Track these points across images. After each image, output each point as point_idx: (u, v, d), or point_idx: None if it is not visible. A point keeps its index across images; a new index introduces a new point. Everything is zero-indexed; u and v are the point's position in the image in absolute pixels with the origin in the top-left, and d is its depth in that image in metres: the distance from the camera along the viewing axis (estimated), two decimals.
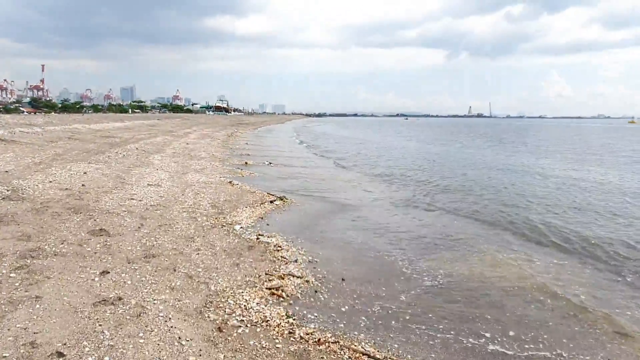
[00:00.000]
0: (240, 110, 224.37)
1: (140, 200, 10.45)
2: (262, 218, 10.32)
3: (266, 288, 6.22)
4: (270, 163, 22.00)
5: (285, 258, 7.56)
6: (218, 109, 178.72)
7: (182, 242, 7.77)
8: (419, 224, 10.98)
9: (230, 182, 14.86)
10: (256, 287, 6.22)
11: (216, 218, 9.66)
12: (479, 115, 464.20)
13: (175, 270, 6.44)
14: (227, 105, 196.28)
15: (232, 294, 5.86)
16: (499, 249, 9.02)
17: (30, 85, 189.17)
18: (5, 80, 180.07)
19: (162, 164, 17.52)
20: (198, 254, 7.26)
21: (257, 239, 8.48)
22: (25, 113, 73.67)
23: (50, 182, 11.46)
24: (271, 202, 12.12)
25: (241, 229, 9.05)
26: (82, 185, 11.52)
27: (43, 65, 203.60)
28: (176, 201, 10.85)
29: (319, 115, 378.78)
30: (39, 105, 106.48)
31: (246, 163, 21.29)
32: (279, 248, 8.06)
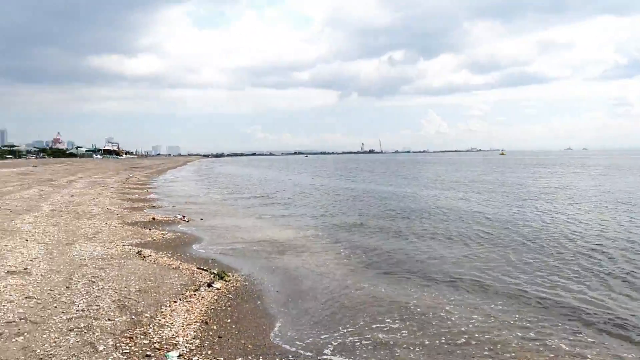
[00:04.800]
0: (132, 153, 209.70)
1: None
2: (206, 323, 6.47)
3: None
4: (183, 217, 17.75)
5: None
6: (107, 152, 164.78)
7: None
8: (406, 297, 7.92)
9: (139, 252, 10.66)
10: None
11: (132, 337, 5.66)
12: (371, 151, 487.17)
13: None
14: (118, 148, 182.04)
15: None
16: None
17: None
18: None
19: (35, 230, 12.62)
20: None
21: None
22: None
23: None
24: (209, 285, 8.27)
25: None
26: None
27: None
28: (56, 306, 6.58)
29: (217, 155, 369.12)
30: None
31: (153, 218, 16.85)
32: None
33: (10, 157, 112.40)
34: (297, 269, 10.08)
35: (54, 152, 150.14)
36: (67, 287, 7.49)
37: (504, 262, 10.54)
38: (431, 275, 9.50)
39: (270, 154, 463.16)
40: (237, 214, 19.65)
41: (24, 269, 8.37)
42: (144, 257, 10.27)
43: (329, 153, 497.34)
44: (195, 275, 9.02)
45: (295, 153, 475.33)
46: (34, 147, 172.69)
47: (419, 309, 7.36)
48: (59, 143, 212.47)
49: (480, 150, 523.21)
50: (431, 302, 7.73)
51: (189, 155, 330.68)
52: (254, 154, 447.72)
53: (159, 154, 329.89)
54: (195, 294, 7.68)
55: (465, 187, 32.94)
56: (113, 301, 6.98)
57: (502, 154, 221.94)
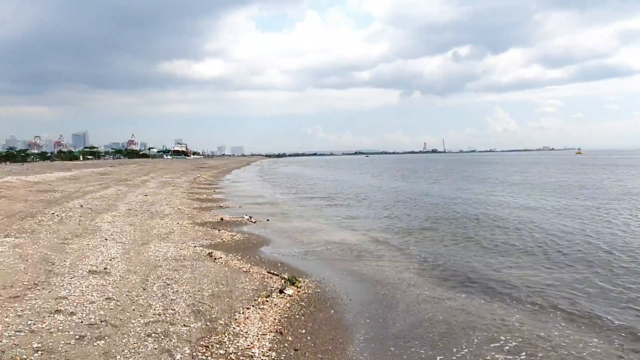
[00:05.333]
0: (199, 154, 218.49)
1: (71, 315, 6.16)
2: (281, 333, 6.24)
3: None
4: (250, 218, 17.88)
5: None
6: (176, 152, 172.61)
7: None
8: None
9: (210, 254, 10.72)
10: None
11: (207, 346, 5.53)
12: (434, 151, 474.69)
13: None
14: (186, 149, 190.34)
15: None
16: None
17: None
18: None
19: (113, 229, 13.12)
20: None
21: None
22: None
23: None
24: (280, 291, 8.06)
25: None
26: None
27: None
28: (134, 308, 6.61)
29: (279, 155, 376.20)
30: None
31: (222, 219, 17.10)
32: None
33: (91, 158, 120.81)
34: (369, 275, 9.67)
35: (129, 153, 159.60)
36: (143, 289, 7.57)
37: (611, 289, 8.58)
38: (519, 295, 8.35)
39: (331, 154, 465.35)
40: (303, 215, 19.54)
41: (104, 268, 8.60)
42: (215, 259, 10.29)
43: (390, 153, 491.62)
44: (266, 279, 8.87)
45: (355, 153, 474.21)
46: (111, 149, 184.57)
47: (526, 334, 6.50)
48: (133, 144, 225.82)
49: (553, 149, 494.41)
50: (533, 327, 6.90)
51: (252, 155, 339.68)
52: (314, 154, 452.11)
53: (223, 154, 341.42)
54: (267, 300, 7.49)
55: (540, 189, 30.91)
56: (187, 305, 6.93)
57: (579, 152, 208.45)
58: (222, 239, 12.97)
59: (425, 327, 6.75)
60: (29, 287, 7.20)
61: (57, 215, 14.59)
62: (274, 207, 22.62)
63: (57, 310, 6.25)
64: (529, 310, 7.53)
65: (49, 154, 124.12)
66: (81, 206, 17.37)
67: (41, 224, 12.90)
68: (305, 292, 8.23)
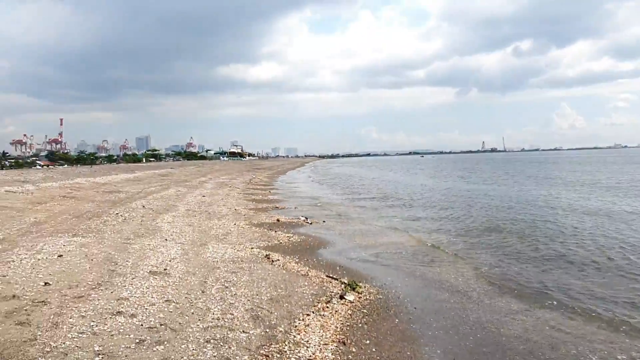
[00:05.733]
0: (254, 155, 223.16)
1: (132, 317, 6.10)
2: (344, 344, 5.87)
3: None
4: (306, 219, 17.67)
5: None
6: (232, 154, 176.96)
7: None
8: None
9: (267, 256, 10.54)
10: None
11: (268, 356, 5.25)
12: (493, 150, 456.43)
13: None
14: (242, 150, 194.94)
15: None
16: None
17: (49, 139, 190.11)
18: (24, 135, 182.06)
19: (173, 229, 13.30)
20: None
21: None
22: (38, 166, 71.53)
23: None
24: (341, 296, 7.69)
25: None
26: (45, 284, 7.26)
27: (61, 119, 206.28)
28: (193, 312, 6.47)
29: (332, 156, 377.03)
30: (55, 158, 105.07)
31: (278, 220, 17.00)
32: None
33: (153, 160, 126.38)
34: (434, 282, 9.11)
35: (188, 155, 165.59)
36: (202, 292, 7.45)
37: None
38: (606, 313, 7.36)
39: (385, 154, 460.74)
40: (359, 216, 19.10)
41: (164, 269, 8.60)
42: (272, 261, 10.10)
43: (446, 153, 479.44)
44: (325, 284, 8.54)
45: (410, 153, 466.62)
46: (172, 151, 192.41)
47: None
48: (192, 147, 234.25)
49: (625, 146, 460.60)
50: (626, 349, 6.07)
51: (305, 156, 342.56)
52: (368, 155, 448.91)
53: (277, 156, 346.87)
54: (327, 307, 7.14)
55: (622, 191, 28.64)
56: (246, 310, 6.71)
57: None
58: (279, 241, 12.80)
59: (504, 344, 6.13)
60: (93, 287, 7.27)
61: (121, 216, 15.04)
62: (329, 208, 22.33)
63: (119, 312, 6.21)
64: (621, 331, 6.69)
65: (115, 157, 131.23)
66: (143, 207, 17.87)
67: (106, 224, 13.30)
68: (366, 299, 7.82)
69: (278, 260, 10.24)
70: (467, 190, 31.82)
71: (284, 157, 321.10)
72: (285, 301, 7.31)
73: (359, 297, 7.78)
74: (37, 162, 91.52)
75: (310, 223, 16.86)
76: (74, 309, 6.23)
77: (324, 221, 17.41)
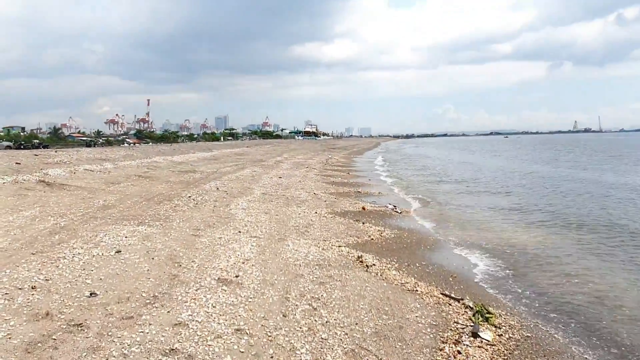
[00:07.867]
0: (328, 134, 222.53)
1: (189, 359, 4.34)
2: None
3: None
4: (395, 207, 15.45)
5: None
6: (307, 133, 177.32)
7: None
8: None
9: (359, 258, 8.52)
10: None
11: None
12: (587, 130, 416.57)
13: None
14: (316, 130, 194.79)
15: None
16: None
17: (138, 119, 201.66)
18: (117, 114, 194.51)
19: (247, 218, 11.69)
20: None
21: None
22: (126, 144, 75.18)
23: (34, 287, 5.83)
24: (473, 334, 5.48)
25: None
26: (91, 294, 5.75)
27: (148, 100, 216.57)
28: (272, 355, 4.59)
29: (407, 136, 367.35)
30: (142, 136, 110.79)
31: (363, 208, 14.93)
32: None
33: (230, 139, 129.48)
34: (591, 305, 6.62)
35: (264, 134, 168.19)
36: (283, 315, 5.58)
37: None
38: None
39: (463, 135, 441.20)
40: (452, 203, 16.66)
41: (236, 276, 6.87)
42: (367, 266, 8.07)
43: (532, 133, 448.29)
44: (442, 307, 6.36)
45: (491, 133, 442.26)
46: (248, 130, 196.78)
47: None
48: (267, 126, 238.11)
49: None
50: None
51: (380, 136, 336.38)
52: (445, 135, 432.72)
53: (351, 135, 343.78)
54: (459, 352, 4.97)
55: None
56: (345, 353, 4.74)
57: None
58: (369, 236, 10.76)
59: None
60: (147, 301, 5.66)
61: (193, 200, 13.74)
62: (414, 192, 19.95)
63: (172, 350, 4.48)
64: None
65: (196, 136, 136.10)
66: (217, 189, 16.59)
67: (176, 210, 11.98)
68: (510, 337, 5.53)
69: (374, 265, 8.20)
70: (565, 176, 27.72)
71: (357, 136, 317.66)
72: (396, 337, 5.24)
73: (499, 335, 5.52)
74: (127, 140, 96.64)
75: (400, 212, 14.66)
76: (115, 340, 4.59)
77: (414, 209, 15.16)
